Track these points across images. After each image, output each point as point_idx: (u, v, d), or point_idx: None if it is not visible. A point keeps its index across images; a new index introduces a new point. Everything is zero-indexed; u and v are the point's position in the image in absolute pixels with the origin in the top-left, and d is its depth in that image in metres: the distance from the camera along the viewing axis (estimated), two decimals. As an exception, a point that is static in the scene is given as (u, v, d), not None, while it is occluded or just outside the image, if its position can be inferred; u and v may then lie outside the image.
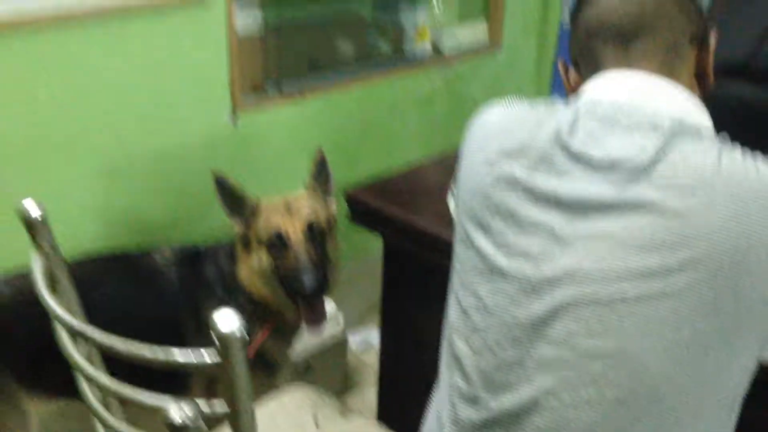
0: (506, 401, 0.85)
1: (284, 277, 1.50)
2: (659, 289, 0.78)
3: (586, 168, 0.85)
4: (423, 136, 2.67)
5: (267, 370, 1.62)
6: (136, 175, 1.86)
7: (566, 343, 0.82)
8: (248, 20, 2.10)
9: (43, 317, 0.99)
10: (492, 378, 0.87)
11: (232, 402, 0.82)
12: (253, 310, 1.55)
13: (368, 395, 2.20)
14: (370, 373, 2.29)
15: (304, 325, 1.56)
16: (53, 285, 1.01)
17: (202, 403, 0.77)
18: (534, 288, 0.85)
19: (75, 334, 0.93)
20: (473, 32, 2.83)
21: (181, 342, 0.90)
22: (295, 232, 1.51)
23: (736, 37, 2.30)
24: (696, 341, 0.78)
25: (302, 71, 2.27)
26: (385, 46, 2.54)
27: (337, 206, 1.67)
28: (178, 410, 0.66)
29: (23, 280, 1.42)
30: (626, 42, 0.93)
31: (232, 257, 1.59)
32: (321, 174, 1.61)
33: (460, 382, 0.91)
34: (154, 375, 0.86)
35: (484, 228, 0.91)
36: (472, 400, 0.89)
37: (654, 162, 0.82)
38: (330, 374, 2.15)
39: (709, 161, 0.81)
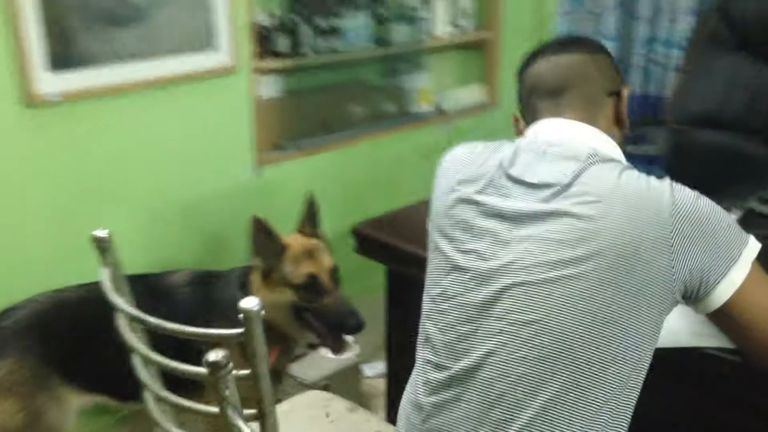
0: (463, 363, 1.10)
1: (320, 315, 1.78)
2: (572, 273, 1.03)
3: (522, 189, 1.12)
4: (426, 184, 2.93)
5: (274, 380, 1.87)
6: (173, 218, 2.16)
7: (505, 317, 1.07)
8: (270, 86, 2.43)
9: (78, 325, 1.24)
10: (453, 348, 1.12)
11: (253, 367, 1.08)
12: (268, 333, 1.81)
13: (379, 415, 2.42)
14: (380, 398, 2.51)
15: (328, 352, 1.84)
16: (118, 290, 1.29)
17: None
18: (483, 278, 1.11)
19: (132, 321, 1.19)
20: (472, 93, 3.15)
21: (188, 353, 1.13)
22: (324, 276, 1.79)
23: (705, 91, 2.59)
24: (602, 311, 1.02)
25: (317, 130, 2.58)
26: (391, 108, 2.86)
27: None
28: (215, 354, 0.92)
29: (56, 296, 1.74)
30: (555, 97, 1.21)
31: (244, 285, 1.86)
32: (313, 216, 1.89)
33: (430, 355, 1.16)
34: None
35: (448, 237, 1.18)
36: (439, 367, 1.13)
37: (571, 183, 1.08)
38: (345, 395, 2.37)
39: (611, 178, 1.07)
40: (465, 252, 1.14)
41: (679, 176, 2.70)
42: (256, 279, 1.83)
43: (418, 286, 1.84)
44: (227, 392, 0.93)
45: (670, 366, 1.19)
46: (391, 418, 2.09)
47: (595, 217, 1.04)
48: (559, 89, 1.21)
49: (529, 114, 1.26)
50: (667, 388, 1.21)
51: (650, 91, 2.90)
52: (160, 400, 1.26)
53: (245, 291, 1.84)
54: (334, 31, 2.52)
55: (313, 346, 2.34)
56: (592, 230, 1.04)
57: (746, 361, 1.14)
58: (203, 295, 1.84)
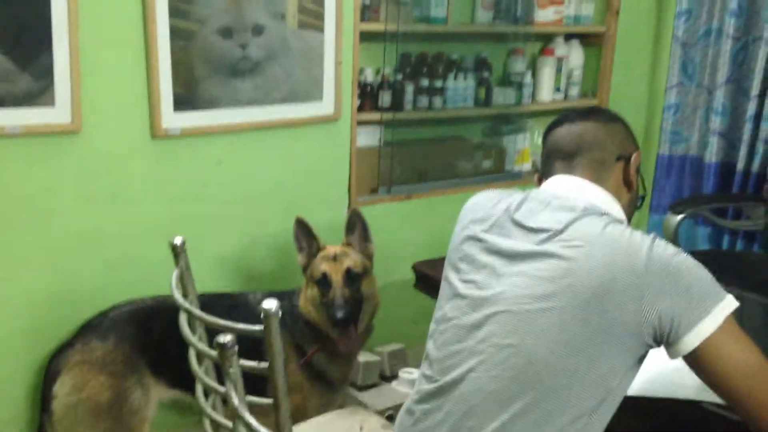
0: (449, 377, 1.26)
1: (326, 308, 2.01)
2: (549, 306, 1.17)
3: (522, 232, 1.28)
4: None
5: (327, 387, 2.09)
6: (269, 246, 2.45)
7: (487, 339, 1.22)
8: (370, 136, 2.69)
9: (171, 325, 1.50)
10: (443, 363, 1.28)
11: (270, 361, 1.28)
12: (309, 332, 2.06)
13: None
14: None
15: (338, 346, 2.02)
16: (184, 290, 1.56)
17: (250, 363, 1.24)
18: (476, 304, 1.27)
19: (191, 318, 1.45)
20: (575, 157, 3.23)
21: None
22: (336, 275, 2.01)
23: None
24: (571, 343, 1.15)
25: (411, 179, 2.80)
26: (488, 164, 3.02)
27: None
28: (223, 337, 1.14)
29: (161, 298, 2.05)
30: (568, 159, 1.37)
31: (300, 295, 2.11)
32: (355, 228, 2.10)
33: (426, 369, 1.33)
34: None
35: (455, 269, 1.36)
36: (430, 379, 1.30)
37: (563, 230, 1.23)
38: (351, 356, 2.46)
39: (597, 228, 1.21)
40: (466, 282, 1.32)
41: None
42: (303, 282, 2.10)
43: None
44: (231, 369, 1.15)
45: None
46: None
47: (576, 258, 1.18)
48: (572, 152, 1.37)
49: (546, 173, 1.42)
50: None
51: (753, 168, 2.85)
52: (210, 392, 1.50)
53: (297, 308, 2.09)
54: (436, 91, 2.75)
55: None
56: (570, 269, 1.17)
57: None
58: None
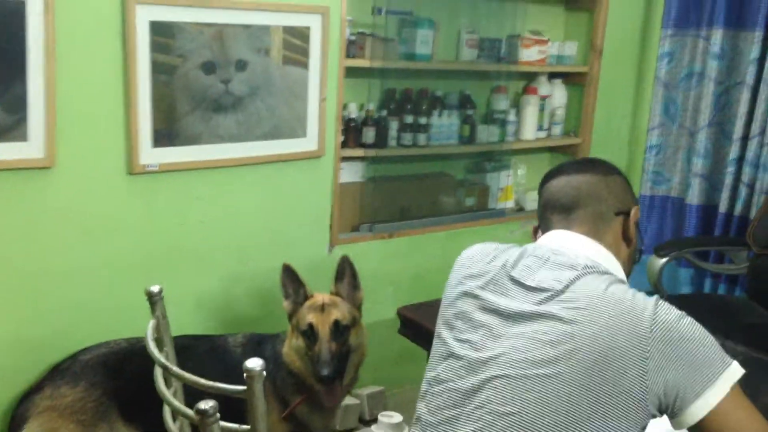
0: None
1: (311, 361, 1.93)
2: (549, 372, 1.11)
3: (521, 290, 1.23)
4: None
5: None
6: (250, 284, 2.38)
7: (485, 405, 1.16)
8: (353, 172, 2.64)
9: (143, 369, 1.43)
10: (438, 429, 1.21)
11: (252, 423, 1.22)
12: (292, 382, 1.98)
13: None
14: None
15: (323, 400, 1.95)
16: (159, 341, 1.49)
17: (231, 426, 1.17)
18: (472, 367, 1.21)
19: (167, 374, 1.38)
20: (557, 195, 3.22)
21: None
22: (323, 327, 1.93)
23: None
24: (573, 412, 1.09)
25: (393, 216, 2.75)
26: (471, 201, 2.99)
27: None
28: (205, 403, 1.07)
29: (134, 340, 1.98)
30: (567, 212, 1.32)
31: (284, 342, 2.04)
32: (345, 275, 2.04)
33: None
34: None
35: (449, 326, 1.30)
36: None
37: (563, 290, 1.18)
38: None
39: (599, 289, 1.16)
40: (461, 341, 1.25)
41: (759, 298, 2.69)
42: (289, 328, 2.02)
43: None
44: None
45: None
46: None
47: (577, 321, 1.13)
48: (570, 206, 1.32)
49: (542, 225, 1.37)
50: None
51: (736, 211, 2.86)
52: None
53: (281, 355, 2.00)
54: (420, 127, 2.72)
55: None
56: (571, 333, 1.12)
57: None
58: (253, 354, 2.02)
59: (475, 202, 2.99)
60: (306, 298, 2.00)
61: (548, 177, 1.39)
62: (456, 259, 1.41)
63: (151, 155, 2.07)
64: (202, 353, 2.03)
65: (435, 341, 1.33)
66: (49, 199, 1.94)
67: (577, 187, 1.33)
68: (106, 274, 2.08)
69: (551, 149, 3.25)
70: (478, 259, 1.33)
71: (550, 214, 1.35)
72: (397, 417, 2.42)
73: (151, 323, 1.47)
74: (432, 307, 2.09)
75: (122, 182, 2.05)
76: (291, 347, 1.98)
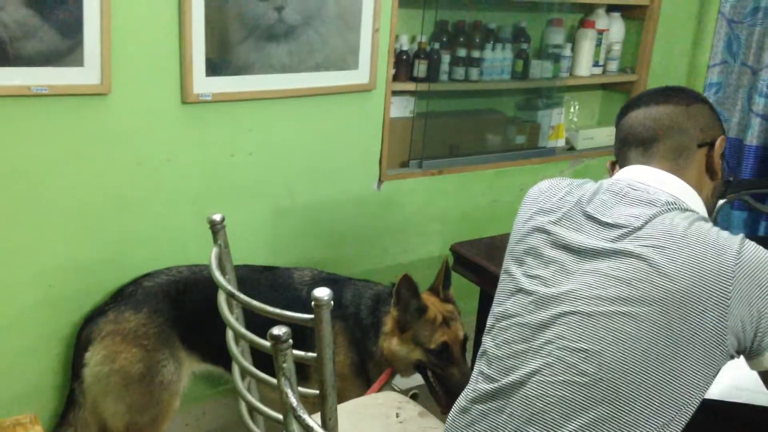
0: (510, 378, 1.17)
1: (442, 380, 1.92)
2: (626, 310, 1.08)
3: (594, 226, 1.18)
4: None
5: (368, 385, 2.01)
6: (298, 217, 2.37)
7: (555, 341, 1.13)
8: (403, 107, 2.59)
9: (205, 298, 1.44)
10: (504, 363, 1.20)
11: (319, 352, 1.21)
12: (383, 360, 1.99)
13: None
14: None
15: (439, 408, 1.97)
16: (222, 269, 1.49)
17: (299, 352, 1.17)
18: (542, 302, 1.18)
19: (230, 298, 1.38)
20: (609, 134, 3.13)
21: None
22: (456, 347, 1.92)
23: None
24: (650, 352, 1.06)
25: (443, 152, 2.70)
26: (521, 139, 2.92)
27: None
28: (278, 329, 1.06)
29: (197, 269, 1.99)
30: (645, 146, 1.26)
31: (376, 309, 2.01)
32: (447, 279, 2.00)
33: (484, 367, 1.24)
34: None
35: (518, 262, 1.27)
36: (489, 378, 1.21)
37: (642, 227, 1.13)
38: (431, 407, 2.47)
39: (681, 227, 1.11)
40: (531, 277, 1.22)
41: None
42: (388, 323, 1.98)
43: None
44: (285, 364, 1.08)
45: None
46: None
47: (657, 262, 1.08)
48: (649, 139, 1.26)
49: (620, 160, 1.32)
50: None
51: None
52: (246, 374, 1.43)
53: (375, 319, 2.00)
54: (472, 61, 2.64)
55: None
56: (651, 273, 1.08)
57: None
58: None
59: (526, 140, 2.92)
60: (421, 310, 1.93)
61: (626, 109, 1.33)
62: (525, 195, 1.36)
63: (204, 84, 2.04)
64: (264, 287, 2.02)
65: (503, 276, 1.31)
66: (104, 127, 1.93)
67: (657, 119, 1.26)
68: (160, 203, 2.08)
69: (605, 86, 3.15)
70: (551, 194, 1.29)
71: (627, 148, 1.29)
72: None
73: (214, 251, 1.47)
74: (485, 244, 2.08)
75: (176, 111, 2.03)
76: (400, 354, 1.95)
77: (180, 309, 1.94)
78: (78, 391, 1.90)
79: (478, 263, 1.93)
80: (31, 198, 1.88)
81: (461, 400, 1.28)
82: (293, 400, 1.02)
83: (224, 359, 1.94)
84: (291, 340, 1.08)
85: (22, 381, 1.96)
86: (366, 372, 2.04)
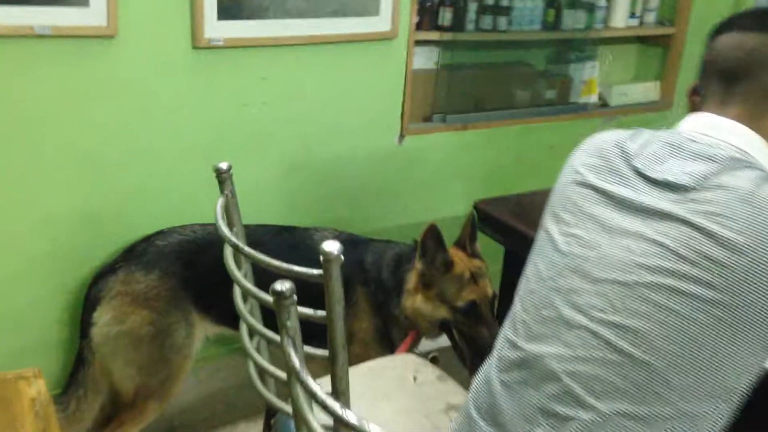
0: (535, 347, 1.06)
1: (469, 338, 1.80)
2: (673, 285, 0.93)
3: (642, 183, 1.03)
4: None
5: (390, 350, 1.92)
6: (314, 172, 2.27)
7: (588, 312, 1.01)
8: (427, 58, 2.46)
9: (220, 259, 1.35)
10: (530, 329, 1.08)
11: (328, 309, 1.12)
12: (407, 322, 1.88)
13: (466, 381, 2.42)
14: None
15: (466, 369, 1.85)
16: (229, 221, 1.39)
17: (306, 310, 1.07)
18: (576, 265, 1.05)
19: (236, 252, 1.28)
20: (644, 90, 2.97)
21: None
22: (485, 307, 1.80)
23: None
24: (695, 333, 0.92)
25: (468, 107, 2.57)
26: (551, 94, 2.77)
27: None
28: (281, 284, 0.96)
29: (211, 228, 1.87)
30: (728, 81, 1.07)
31: (398, 269, 1.89)
32: (473, 233, 1.87)
33: (509, 332, 1.13)
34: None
35: (556, 218, 1.13)
36: (513, 346, 1.10)
37: (696, 187, 0.97)
38: (451, 370, 2.39)
39: (743, 189, 0.93)
40: (567, 236, 1.09)
41: None
42: (412, 280, 1.86)
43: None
44: (288, 322, 0.98)
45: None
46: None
47: (712, 229, 0.92)
48: (734, 74, 1.06)
49: (701, 87, 1.12)
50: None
51: None
52: (255, 334, 1.34)
53: (397, 279, 1.88)
54: (501, 10, 2.49)
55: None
56: (704, 242, 0.93)
57: None
58: (347, 262, 1.91)
59: (556, 95, 2.77)
60: (446, 264, 1.81)
61: (720, 29, 1.11)
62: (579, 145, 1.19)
63: (215, 29, 1.93)
64: (283, 249, 1.91)
65: (539, 234, 1.17)
66: (110, 72, 1.83)
67: (750, 51, 1.04)
68: (169, 154, 1.99)
69: (642, 39, 2.98)
70: (599, 145, 1.13)
71: (711, 76, 1.09)
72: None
73: (220, 201, 1.37)
74: (512, 202, 1.96)
75: (186, 57, 1.92)
76: (425, 312, 1.84)
77: (193, 271, 1.85)
78: (86, 350, 1.84)
79: (505, 222, 1.81)
80: (33, 145, 1.79)
81: (486, 368, 1.17)
82: (296, 361, 0.93)
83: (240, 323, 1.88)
84: (295, 296, 0.99)
85: (26, 334, 1.91)
86: (390, 337, 1.95)
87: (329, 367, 1.16)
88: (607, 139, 1.14)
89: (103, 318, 1.80)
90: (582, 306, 1.02)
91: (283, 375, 1.22)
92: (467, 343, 1.82)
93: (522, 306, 1.13)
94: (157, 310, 1.80)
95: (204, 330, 1.89)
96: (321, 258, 1.09)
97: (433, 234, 1.78)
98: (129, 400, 1.83)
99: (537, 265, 1.13)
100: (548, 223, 1.15)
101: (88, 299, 1.85)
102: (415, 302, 1.84)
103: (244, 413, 2.31)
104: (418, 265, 1.83)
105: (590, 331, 1.00)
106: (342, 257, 1.09)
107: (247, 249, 1.22)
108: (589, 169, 1.11)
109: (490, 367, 1.15)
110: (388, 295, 1.90)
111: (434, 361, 2.31)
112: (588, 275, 1.03)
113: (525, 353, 1.08)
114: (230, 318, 1.83)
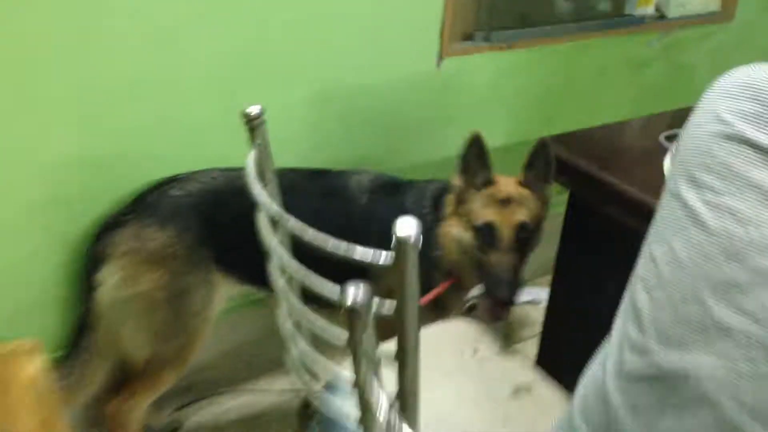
0: (676, 358, 0.81)
1: (482, 267, 1.56)
2: None
3: None
4: (631, 101, 2.57)
5: (438, 312, 1.68)
6: (345, 103, 1.98)
7: (754, 313, 0.75)
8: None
9: (245, 210, 1.12)
10: (666, 331, 0.83)
11: (400, 301, 0.88)
12: (441, 264, 1.63)
13: (528, 346, 2.23)
14: (533, 327, 2.31)
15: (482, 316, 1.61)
16: (262, 177, 1.14)
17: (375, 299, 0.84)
18: (734, 249, 0.78)
19: (273, 220, 1.04)
20: (705, 1, 2.64)
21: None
22: (506, 231, 1.54)
23: None
24: None
25: (514, 23, 2.26)
26: (604, 6, 2.45)
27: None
28: (353, 292, 0.72)
29: (234, 175, 1.62)
30: None
31: (437, 203, 1.66)
32: (538, 163, 1.59)
33: (634, 333, 0.87)
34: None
35: (696, 183, 0.85)
36: (642, 351, 0.85)
37: None
38: (495, 325, 2.19)
39: None
40: (716, 207, 0.81)
41: None
42: (450, 202, 1.63)
43: (601, 221, 1.56)
44: (363, 338, 0.75)
45: None
46: (542, 361, 1.88)
47: None
48: None
49: None
50: None
51: None
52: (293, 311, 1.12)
53: (436, 214, 1.65)
54: None
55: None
56: None
57: None
58: (384, 203, 1.66)
59: (609, 6, 2.45)
60: (488, 183, 1.58)
61: None
62: (712, 85, 0.89)
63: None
64: (316, 197, 1.68)
65: (667, 200, 0.89)
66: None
67: None
68: (179, 84, 1.70)
69: (705, -59, 2.62)
70: (751, 84, 0.84)
71: None
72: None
73: (251, 155, 1.11)
74: (577, 139, 1.69)
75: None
76: (452, 236, 1.60)
77: (214, 225, 1.60)
78: (90, 313, 1.61)
79: (570, 162, 1.56)
80: (24, 76, 1.51)
81: (596, 371, 0.93)
82: (380, 401, 0.70)
83: (265, 279, 1.65)
84: (374, 305, 0.75)
85: (24, 291, 1.68)
86: (431, 284, 1.72)
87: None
88: (762, 77, 0.86)
89: (110, 279, 1.56)
90: (743, 304, 0.76)
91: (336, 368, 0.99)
92: (481, 275, 1.58)
93: (649, 296, 0.86)
94: (173, 270, 1.56)
95: (227, 290, 1.67)
96: (393, 243, 0.84)
97: (475, 144, 1.55)
98: (141, 369, 1.62)
99: (668, 242, 0.86)
100: (682, 187, 0.86)
101: (92, 256, 1.61)
102: (450, 227, 1.61)
103: (266, 368, 2.14)
104: (456, 181, 1.60)
105: (758, 339, 0.75)
106: (419, 243, 0.85)
107: (293, 220, 0.96)
108: (743, 119, 0.82)
109: (602, 371, 0.90)
110: (427, 239, 1.66)
111: (472, 309, 2.09)
112: (749, 261, 0.77)
113: (659, 363, 0.82)
114: (257, 276, 1.60)
